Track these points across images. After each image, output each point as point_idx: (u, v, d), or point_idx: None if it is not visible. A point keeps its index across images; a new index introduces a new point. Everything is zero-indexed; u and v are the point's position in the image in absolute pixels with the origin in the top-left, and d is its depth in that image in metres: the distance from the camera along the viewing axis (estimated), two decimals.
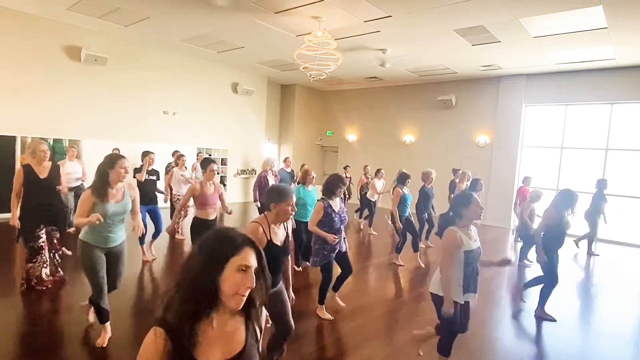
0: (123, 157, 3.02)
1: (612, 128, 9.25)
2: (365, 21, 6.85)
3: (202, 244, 1.14)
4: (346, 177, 9.17)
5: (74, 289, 4.26)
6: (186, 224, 6.24)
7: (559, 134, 9.96)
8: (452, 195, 8.32)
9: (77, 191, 6.74)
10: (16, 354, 3.00)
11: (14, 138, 7.61)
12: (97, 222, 2.77)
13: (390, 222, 8.13)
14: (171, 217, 5.58)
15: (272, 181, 6.51)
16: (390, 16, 6.55)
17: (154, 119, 9.86)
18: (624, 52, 7.70)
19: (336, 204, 3.86)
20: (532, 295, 5.07)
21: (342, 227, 3.92)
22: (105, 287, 3.01)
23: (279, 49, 9.02)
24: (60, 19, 7.97)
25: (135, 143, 9.18)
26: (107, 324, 3.12)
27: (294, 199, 2.56)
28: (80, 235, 2.99)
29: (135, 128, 9.49)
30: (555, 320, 4.27)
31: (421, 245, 6.79)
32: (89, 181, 7.28)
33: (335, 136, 14.27)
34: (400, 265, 6.09)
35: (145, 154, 5.62)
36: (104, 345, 3.07)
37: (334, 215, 3.77)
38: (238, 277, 1.09)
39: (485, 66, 9.51)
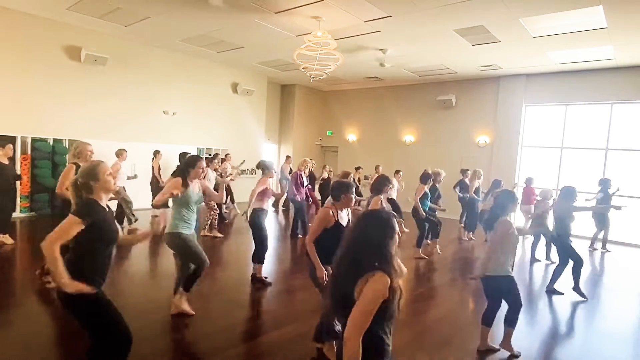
0: (202, 158, 3.68)
1: (612, 128, 9.25)
2: (365, 21, 6.85)
3: (380, 223, 1.68)
4: (358, 179, 9.47)
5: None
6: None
7: (559, 134, 9.96)
8: (461, 194, 8.40)
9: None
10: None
11: (14, 138, 7.60)
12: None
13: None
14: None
15: (305, 180, 7.46)
16: (390, 16, 6.55)
17: (154, 119, 9.86)
18: (624, 52, 7.70)
19: (383, 200, 4.63)
20: (540, 283, 5.06)
21: None
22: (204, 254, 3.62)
23: (279, 49, 9.02)
24: (60, 19, 7.97)
25: (135, 143, 9.18)
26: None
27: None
28: (173, 230, 3.52)
29: (135, 128, 9.48)
30: (563, 294, 5.06)
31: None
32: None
33: (335, 136, 14.27)
34: (424, 258, 6.51)
35: (184, 156, 6.20)
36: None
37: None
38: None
39: (485, 66, 9.51)
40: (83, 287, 2.02)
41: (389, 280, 1.57)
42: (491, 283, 3.35)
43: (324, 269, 3.01)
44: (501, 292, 3.35)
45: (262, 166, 5.04)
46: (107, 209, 2.30)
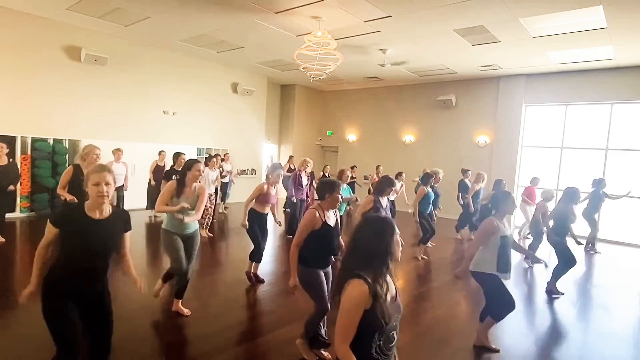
0: (199, 161, 3.60)
1: (612, 128, 9.25)
2: (365, 21, 6.85)
3: (379, 226, 1.61)
4: (352, 177, 9.50)
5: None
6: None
7: (559, 134, 9.96)
8: (461, 194, 8.39)
9: (118, 191, 7.27)
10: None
11: (14, 138, 7.60)
12: (180, 210, 3.41)
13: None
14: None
15: (305, 179, 7.41)
16: (390, 16, 6.55)
17: (154, 119, 9.86)
18: (624, 52, 7.70)
19: (384, 201, 4.65)
20: (541, 283, 5.06)
21: None
22: (184, 263, 3.56)
23: (279, 49, 9.02)
24: (60, 19, 7.97)
25: (135, 143, 9.19)
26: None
27: (342, 189, 3.13)
28: (162, 225, 3.63)
29: (135, 128, 9.48)
30: (563, 294, 5.07)
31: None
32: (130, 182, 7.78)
33: (335, 136, 14.27)
34: (424, 258, 6.52)
35: (177, 155, 6.30)
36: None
37: (381, 210, 4.53)
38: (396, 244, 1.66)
39: (485, 66, 9.51)
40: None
41: (366, 288, 1.46)
42: (476, 278, 3.39)
43: (296, 279, 2.92)
44: (484, 288, 3.38)
45: (271, 171, 4.95)
46: (106, 218, 2.17)
